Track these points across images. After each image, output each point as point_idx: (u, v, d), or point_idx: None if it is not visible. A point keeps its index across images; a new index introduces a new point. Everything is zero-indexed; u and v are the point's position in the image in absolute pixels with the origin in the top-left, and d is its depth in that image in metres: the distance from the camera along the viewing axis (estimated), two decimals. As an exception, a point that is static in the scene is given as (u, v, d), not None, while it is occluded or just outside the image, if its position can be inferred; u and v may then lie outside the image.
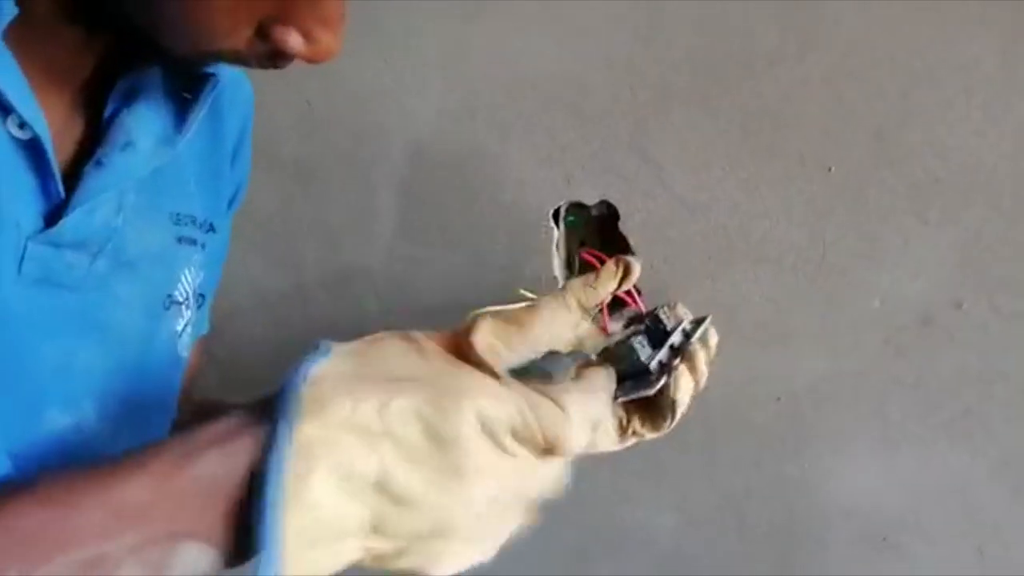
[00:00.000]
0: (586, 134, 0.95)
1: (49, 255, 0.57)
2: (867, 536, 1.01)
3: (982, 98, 0.85)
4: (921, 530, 0.99)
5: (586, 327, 0.77)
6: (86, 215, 0.58)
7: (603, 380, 0.60)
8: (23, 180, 0.56)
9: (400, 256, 1.04)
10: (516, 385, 0.53)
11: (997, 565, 0.98)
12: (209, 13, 0.51)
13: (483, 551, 0.51)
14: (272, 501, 0.45)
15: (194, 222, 0.70)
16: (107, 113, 0.61)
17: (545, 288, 0.96)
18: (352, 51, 0.57)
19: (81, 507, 0.46)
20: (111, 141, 0.60)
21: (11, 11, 0.51)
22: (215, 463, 0.47)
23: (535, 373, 0.60)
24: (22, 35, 0.52)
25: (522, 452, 0.51)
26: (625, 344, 0.68)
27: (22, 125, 0.54)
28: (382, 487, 0.48)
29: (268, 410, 0.47)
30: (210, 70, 0.64)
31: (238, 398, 0.55)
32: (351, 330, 0.55)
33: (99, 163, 0.59)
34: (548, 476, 0.53)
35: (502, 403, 0.50)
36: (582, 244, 0.99)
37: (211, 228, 0.73)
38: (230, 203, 0.80)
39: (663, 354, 0.70)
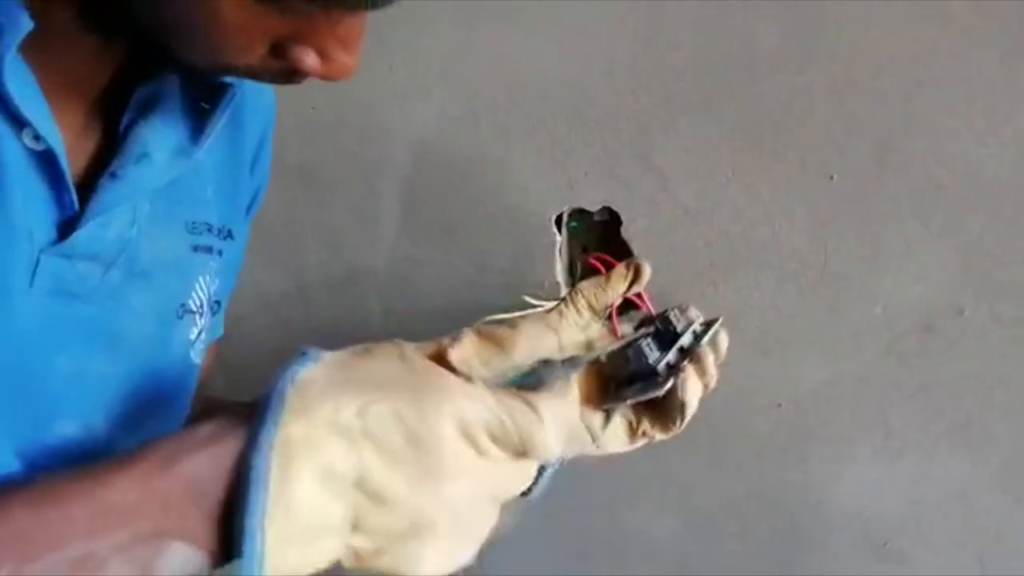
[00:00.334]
0: (589, 139, 0.95)
1: (62, 267, 0.57)
2: (868, 542, 1.02)
3: (984, 106, 0.85)
4: (922, 536, 1.00)
5: (596, 329, 0.78)
6: (100, 227, 0.58)
7: (572, 390, 0.63)
8: (37, 192, 0.55)
9: (403, 259, 1.04)
10: (492, 390, 0.54)
11: (997, 572, 0.98)
12: (224, 30, 0.51)
13: (461, 552, 0.52)
14: (254, 499, 0.46)
15: (210, 230, 0.70)
16: (123, 124, 0.61)
17: (547, 292, 0.97)
18: (358, 64, 0.57)
19: (69, 506, 0.47)
20: (127, 153, 0.59)
21: (28, 25, 0.50)
22: (201, 464, 0.48)
23: (528, 383, 0.61)
24: (39, 46, 0.52)
25: (497, 454, 0.52)
26: (634, 346, 0.69)
27: (37, 137, 0.54)
28: (362, 486, 0.48)
29: (253, 412, 0.48)
30: (228, 81, 0.64)
31: (241, 399, 0.56)
32: (353, 332, 0.55)
33: (114, 175, 0.59)
34: (520, 477, 0.54)
35: (479, 406, 0.51)
36: (584, 250, 1.00)
37: (229, 235, 0.73)
38: (248, 208, 0.80)
39: (672, 356, 0.70)
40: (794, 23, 0.88)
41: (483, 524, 0.53)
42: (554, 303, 0.84)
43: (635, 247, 0.97)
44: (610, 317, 0.80)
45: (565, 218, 0.99)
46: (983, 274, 0.89)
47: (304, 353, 0.51)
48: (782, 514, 1.04)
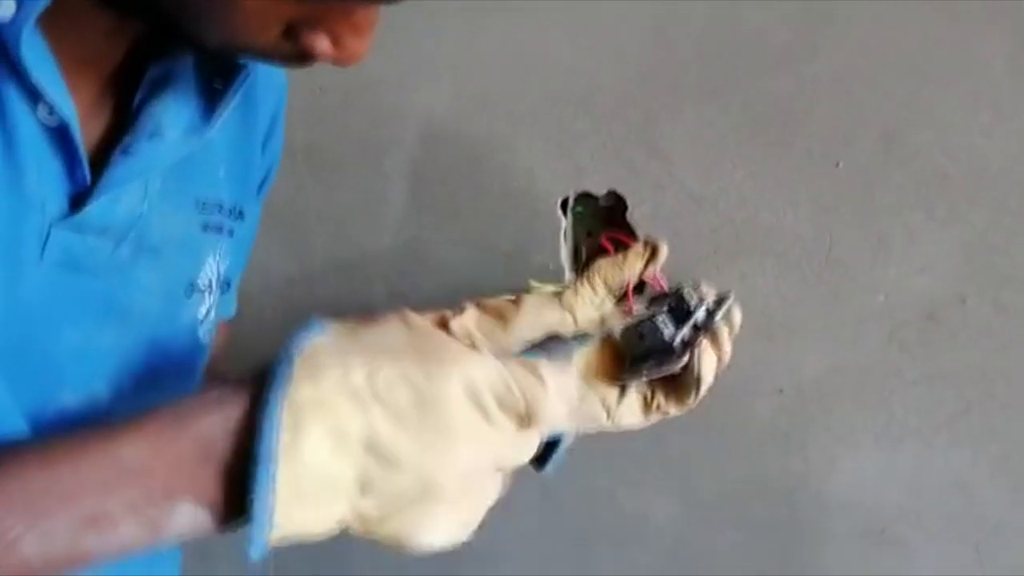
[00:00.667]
0: (596, 125, 0.96)
1: (72, 240, 0.58)
2: (866, 529, 1.03)
3: (990, 99, 0.86)
4: (920, 525, 1.01)
5: (609, 307, 0.79)
6: (111, 202, 0.59)
7: (571, 365, 0.64)
8: (50, 165, 0.56)
9: (409, 242, 1.05)
10: (497, 356, 0.54)
11: (994, 562, 0.99)
12: (240, 12, 0.51)
13: (465, 522, 0.53)
14: (264, 457, 0.46)
15: (221, 209, 0.71)
16: (136, 101, 0.61)
17: (552, 276, 0.98)
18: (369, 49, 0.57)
19: (82, 465, 0.48)
20: (139, 129, 0.60)
21: None
22: (211, 424, 0.49)
23: (533, 358, 0.62)
24: (54, 21, 0.53)
25: (503, 420, 0.52)
26: (649, 322, 0.70)
27: (51, 111, 0.54)
28: (371, 448, 0.49)
29: (263, 376, 0.49)
30: (241, 61, 0.64)
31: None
32: (358, 314, 0.56)
33: (126, 151, 0.59)
34: (524, 446, 0.54)
35: (484, 369, 0.52)
36: (589, 234, 1.01)
37: (240, 215, 0.73)
38: (260, 188, 0.81)
39: (687, 331, 0.71)
40: (803, 13, 0.88)
41: (487, 494, 0.53)
42: (558, 287, 0.85)
43: (640, 232, 0.97)
44: (626, 295, 0.81)
45: (571, 202, 1.00)
46: (986, 264, 0.90)
47: (309, 324, 0.52)
48: (781, 500, 1.04)
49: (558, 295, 0.81)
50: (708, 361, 0.71)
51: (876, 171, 0.90)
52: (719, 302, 0.77)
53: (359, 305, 1.06)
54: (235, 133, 0.73)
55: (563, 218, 1.00)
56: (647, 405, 0.74)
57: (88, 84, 0.60)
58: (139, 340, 0.65)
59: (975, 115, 0.86)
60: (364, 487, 0.49)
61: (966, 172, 0.88)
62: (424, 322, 0.55)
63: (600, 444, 0.86)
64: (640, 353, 0.69)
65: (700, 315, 0.74)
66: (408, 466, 0.49)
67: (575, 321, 0.77)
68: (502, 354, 0.59)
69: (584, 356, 0.74)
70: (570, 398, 0.58)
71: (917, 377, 0.95)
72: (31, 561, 0.47)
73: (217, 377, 0.65)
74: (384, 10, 0.57)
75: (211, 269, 0.71)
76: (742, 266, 0.96)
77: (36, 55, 0.52)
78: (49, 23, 0.52)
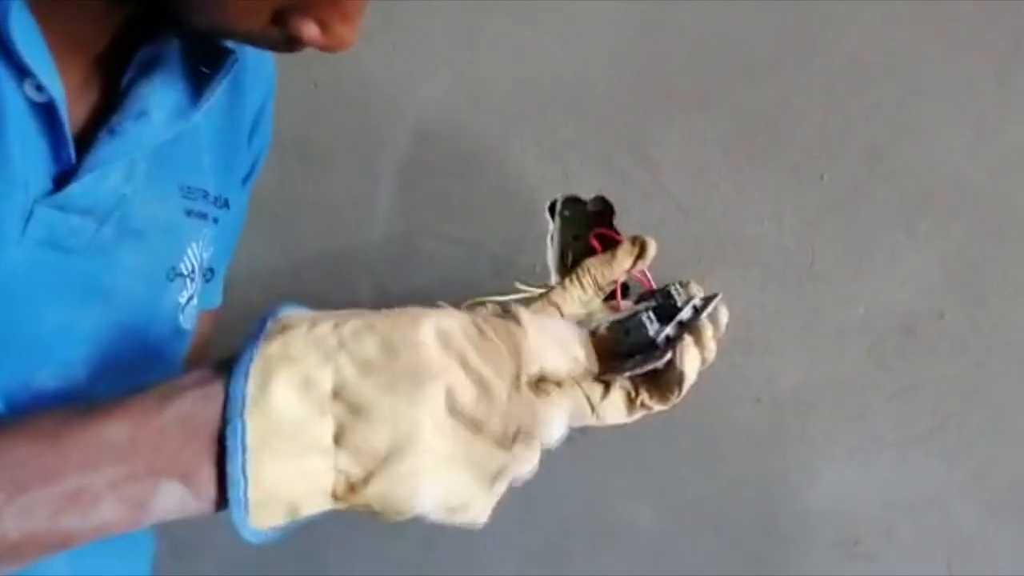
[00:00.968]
0: (586, 131, 0.97)
1: (55, 219, 0.58)
2: (840, 540, 1.03)
3: (975, 117, 0.87)
4: (892, 538, 1.01)
5: (597, 304, 0.80)
6: (95, 181, 0.59)
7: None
8: (35, 143, 0.57)
9: (396, 239, 1.06)
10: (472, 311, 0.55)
11: (964, 576, 1.00)
12: None
13: (459, 486, 0.51)
14: (233, 410, 0.47)
15: (206, 197, 0.71)
16: (124, 82, 0.62)
17: (538, 278, 0.98)
18: (361, 35, 0.58)
19: (64, 442, 0.48)
20: (126, 110, 0.61)
21: None
22: (192, 401, 0.49)
23: None
24: (43, 3, 0.53)
25: (487, 371, 0.51)
26: (634, 318, 0.70)
27: (39, 88, 0.55)
28: (340, 395, 0.49)
29: (240, 351, 0.50)
30: (229, 46, 0.65)
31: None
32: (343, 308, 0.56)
33: (112, 131, 0.60)
34: (526, 419, 0.53)
35: (457, 317, 0.52)
36: (575, 238, 1.02)
37: (225, 204, 0.74)
38: (246, 179, 0.81)
39: (671, 329, 0.72)
40: (793, 26, 0.90)
41: (478, 456, 0.51)
42: (543, 289, 0.86)
43: (626, 237, 0.98)
44: (614, 293, 0.82)
45: (559, 206, 1.01)
46: (964, 281, 0.91)
47: (284, 305, 0.53)
48: (757, 509, 1.05)
49: (543, 296, 0.82)
50: (691, 359, 0.72)
51: (860, 186, 0.91)
52: (706, 301, 0.78)
53: (345, 299, 1.06)
54: (222, 122, 0.74)
55: (551, 221, 1.01)
56: (631, 401, 0.75)
57: (76, 65, 0.60)
58: (119, 322, 0.66)
59: (959, 133, 0.88)
60: (339, 439, 0.49)
61: (948, 189, 0.89)
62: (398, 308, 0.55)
63: (578, 450, 0.87)
64: (625, 349, 0.70)
65: (686, 313, 0.74)
66: (378, 412, 0.49)
67: (562, 317, 0.78)
68: None
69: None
70: (558, 338, 0.57)
71: (894, 390, 0.96)
72: (10, 535, 0.47)
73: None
74: (379, 7, 0.57)
75: (194, 255, 0.71)
76: (725, 275, 0.97)
77: (24, 32, 0.53)
78: (38, 3, 0.53)
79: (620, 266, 0.82)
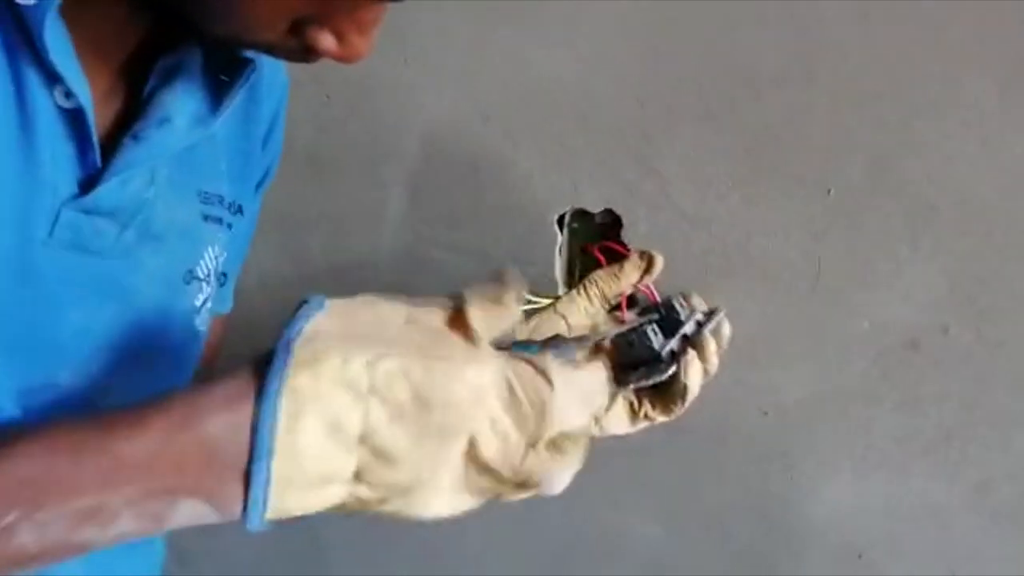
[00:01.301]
0: (594, 144, 0.98)
1: (81, 221, 0.60)
2: (843, 553, 1.04)
3: (980, 133, 0.88)
4: (896, 551, 1.02)
5: (602, 316, 0.80)
6: (120, 185, 0.61)
7: (600, 362, 0.63)
8: (63, 148, 0.58)
9: (405, 250, 1.06)
10: (502, 354, 0.54)
11: (968, 591, 1.00)
12: (248, 6, 0.54)
13: (468, 501, 0.53)
14: (260, 445, 0.47)
15: (221, 202, 0.73)
16: (147, 90, 0.64)
17: (546, 289, 0.99)
18: (373, 48, 0.59)
19: (84, 457, 0.48)
20: (149, 117, 0.62)
21: None
22: (217, 425, 0.49)
23: (535, 352, 0.63)
24: (71, 11, 0.55)
25: (508, 423, 0.52)
26: (639, 331, 0.71)
27: (68, 94, 0.56)
28: (367, 441, 0.49)
29: (265, 366, 0.49)
30: (248, 55, 0.66)
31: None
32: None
33: (136, 137, 0.62)
34: (536, 474, 0.53)
35: (487, 369, 0.52)
36: (583, 250, 1.02)
37: (239, 210, 0.75)
38: (259, 185, 0.82)
39: (675, 342, 0.72)
40: (799, 42, 0.90)
41: (485, 490, 0.53)
42: (550, 300, 0.87)
43: (634, 249, 0.98)
44: (619, 305, 0.83)
45: (567, 218, 1.01)
46: (969, 295, 0.92)
47: (307, 301, 0.52)
48: (761, 522, 1.06)
49: (551, 307, 0.83)
50: (694, 372, 0.73)
51: (865, 200, 0.92)
52: (709, 315, 0.79)
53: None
54: (237, 130, 0.75)
55: (559, 233, 1.01)
56: (634, 413, 0.75)
57: (101, 73, 0.62)
58: (138, 323, 0.67)
59: (964, 147, 0.88)
60: (360, 478, 0.50)
61: (953, 203, 0.90)
62: (423, 318, 0.55)
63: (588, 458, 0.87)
64: (629, 362, 0.71)
65: (690, 327, 0.75)
66: (404, 461, 0.50)
67: (568, 328, 0.79)
68: (503, 350, 0.59)
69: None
70: (584, 393, 0.57)
71: (898, 403, 0.97)
72: (27, 548, 0.48)
73: (216, 371, 0.65)
74: (391, 21, 0.58)
75: (210, 259, 0.73)
76: (731, 288, 0.97)
77: (57, 40, 0.55)
78: (67, 12, 0.54)
79: (627, 280, 0.83)
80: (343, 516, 0.54)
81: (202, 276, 0.72)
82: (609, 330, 0.74)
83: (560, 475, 0.55)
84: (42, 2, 0.52)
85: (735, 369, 0.98)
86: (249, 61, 0.66)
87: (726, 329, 0.81)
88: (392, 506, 0.51)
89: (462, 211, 1.03)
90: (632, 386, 0.70)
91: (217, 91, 0.66)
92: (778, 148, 0.93)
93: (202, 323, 0.74)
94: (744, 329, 0.97)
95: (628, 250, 0.96)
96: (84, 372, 0.64)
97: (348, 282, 1.09)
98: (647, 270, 0.84)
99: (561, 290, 1.01)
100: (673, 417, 0.76)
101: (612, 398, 0.74)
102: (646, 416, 0.76)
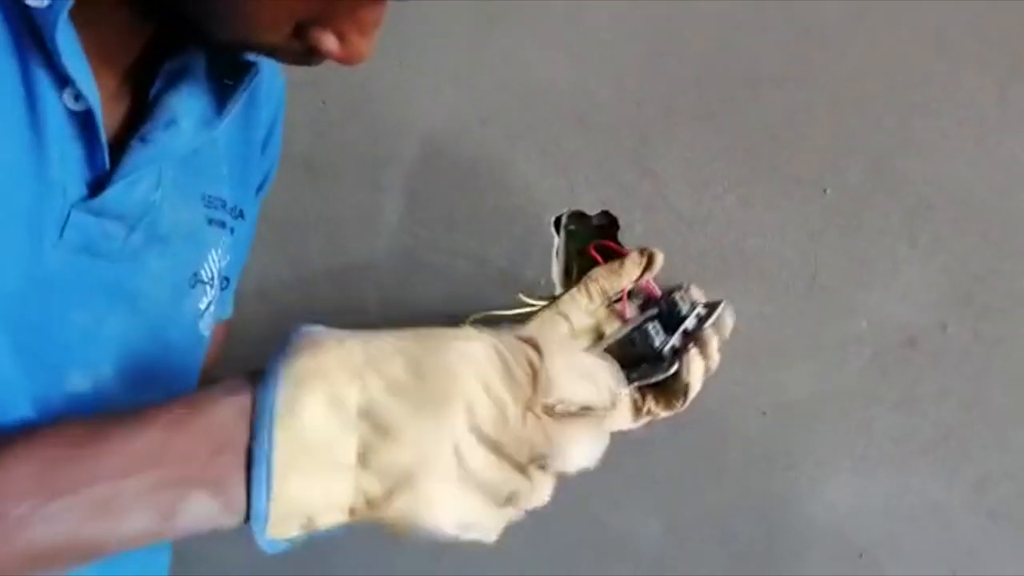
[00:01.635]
0: (592, 146, 0.98)
1: (90, 224, 0.61)
2: (843, 552, 1.04)
3: (976, 131, 0.88)
4: (896, 549, 1.02)
5: (603, 313, 0.81)
6: (128, 187, 0.62)
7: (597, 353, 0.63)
8: (72, 150, 0.59)
9: (403, 254, 1.07)
10: (497, 333, 0.56)
11: (970, 589, 1.00)
12: (255, 7, 0.54)
13: (474, 506, 0.52)
14: (262, 423, 0.49)
15: (224, 206, 0.74)
16: (152, 93, 0.65)
17: (543, 292, 0.99)
18: (374, 51, 0.59)
19: (96, 448, 0.50)
20: (156, 119, 0.63)
21: None
22: (223, 413, 0.51)
23: None
24: (80, 15, 0.56)
25: (507, 394, 0.53)
26: (640, 330, 0.71)
27: (78, 97, 0.57)
28: (367, 415, 0.50)
29: (267, 366, 0.51)
30: (251, 59, 0.67)
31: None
32: (350, 324, 0.57)
33: (143, 139, 0.62)
34: (540, 442, 0.53)
35: (477, 341, 0.54)
36: (580, 252, 1.02)
37: (240, 214, 0.76)
38: (258, 190, 0.83)
39: (676, 339, 0.73)
40: (795, 43, 0.91)
41: (496, 480, 0.53)
42: (545, 303, 0.87)
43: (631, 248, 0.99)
44: (619, 301, 0.83)
45: (564, 220, 1.02)
46: (966, 293, 0.92)
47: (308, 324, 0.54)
48: (762, 521, 1.06)
49: (551, 306, 0.83)
50: (696, 368, 0.73)
51: (862, 199, 0.92)
52: (709, 308, 0.79)
53: (350, 314, 1.07)
54: (237, 134, 0.76)
55: (556, 235, 1.01)
56: (637, 409, 0.76)
57: (108, 76, 0.63)
58: (143, 326, 0.68)
59: (960, 146, 0.89)
60: (363, 459, 0.51)
61: (950, 202, 0.90)
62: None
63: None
64: (631, 359, 0.71)
65: (691, 322, 0.76)
66: (404, 435, 0.50)
67: (571, 328, 0.79)
68: None
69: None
70: (584, 367, 0.57)
71: (897, 402, 0.97)
72: (37, 542, 0.48)
73: (217, 375, 0.66)
74: (388, 24, 0.59)
75: (213, 262, 0.74)
76: (728, 288, 0.97)
77: (68, 42, 0.55)
78: (74, 16, 0.55)
79: (628, 276, 0.84)
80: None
81: (206, 279, 0.73)
82: (610, 329, 0.75)
83: (565, 443, 0.54)
84: (55, 4, 0.53)
85: (734, 369, 0.98)
86: (252, 64, 0.67)
87: (729, 320, 0.81)
88: (400, 503, 0.51)
89: (460, 214, 1.03)
90: (635, 384, 0.71)
91: (221, 94, 0.67)
92: (775, 148, 0.93)
93: (206, 327, 0.75)
94: (742, 329, 0.97)
95: (623, 250, 0.96)
96: (92, 375, 0.65)
97: (346, 286, 1.09)
98: (647, 267, 0.85)
99: (558, 291, 1.01)
100: (675, 412, 0.76)
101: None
102: (649, 412, 0.77)
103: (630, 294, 0.86)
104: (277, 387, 0.49)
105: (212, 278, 0.74)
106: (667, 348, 0.71)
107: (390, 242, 1.07)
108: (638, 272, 0.84)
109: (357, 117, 1.05)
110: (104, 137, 0.59)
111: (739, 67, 0.93)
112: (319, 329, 0.53)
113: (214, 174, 0.73)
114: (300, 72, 0.64)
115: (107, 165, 0.60)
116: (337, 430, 0.50)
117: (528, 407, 0.53)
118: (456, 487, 0.52)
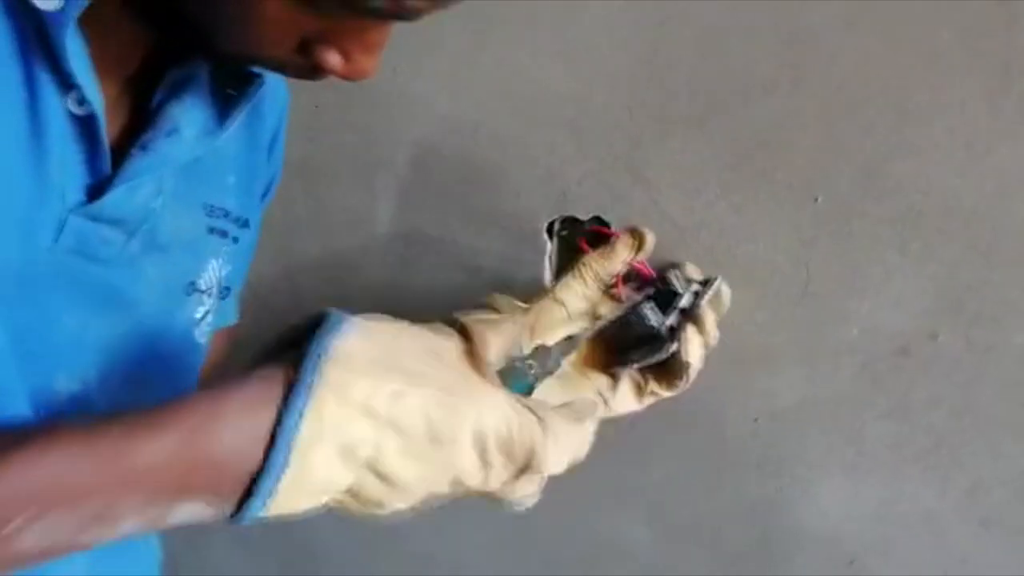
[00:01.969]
0: (584, 152, 0.98)
1: (87, 228, 0.61)
2: (835, 560, 1.05)
3: (966, 139, 0.89)
4: (888, 557, 1.03)
5: (599, 295, 0.81)
6: (127, 193, 0.62)
7: (589, 409, 0.65)
8: (73, 154, 0.60)
9: (395, 258, 1.07)
10: (514, 399, 0.57)
11: (960, 595, 1.01)
12: (260, 21, 0.55)
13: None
14: (275, 463, 0.49)
15: (227, 216, 0.74)
16: (155, 101, 0.65)
17: (535, 297, 0.99)
18: (378, 69, 0.60)
19: (97, 460, 0.50)
20: (157, 128, 0.64)
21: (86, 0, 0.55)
22: (237, 432, 0.51)
23: (521, 369, 0.63)
24: (86, 23, 0.57)
25: (499, 467, 0.55)
26: (636, 310, 0.71)
27: (81, 101, 0.58)
28: (373, 465, 0.52)
29: (288, 380, 0.51)
30: (255, 70, 0.67)
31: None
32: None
33: (144, 147, 0.63)
34: (516, 489, 0.57)
35: (495, 415, 0.55)
36: (572, 258, 1.02)
37: (245, 224, 0.76)
38: (262, 198, 0.83)
39: (673, 318, 0.73)
40: (788, 50, 0.91)
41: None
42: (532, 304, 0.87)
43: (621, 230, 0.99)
44: (615, 284, 0.82)
45: (556, 226, 1.02)
46: (958, 301, 0.92)
47: (327, 313, 0.55)
48: (753, 528, 1.06)
49: (548, 294, 0.84)
50: (695, 346, 0.74)
51: (854, 207, 0.92)
52: (705, 284, 0.78)
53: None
54: (243, 144, 0.76)
55: (548, 241, 1.01)
56: (640, 390, 0.76)
57: (111, 84, 0.64)
58: (134, 332, 0.68)
59: (952, 154, 0.89)
60: (352, 490, 0.53)
61: (941, 210, 0.90)
62: (450, 353, 0.58)
63: (573, 468, 0.87)
64: (629, 341, 0.71)
65: (686, 300, 0.75)
66: (403, 490, 0.53)
67: (568, 313, 0.80)
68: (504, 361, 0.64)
69: (571, 362, 0.76)
70: (576, 449, 0.60)
71: (888, 410, 0.97)
72: (29, 552, 0.49)
73: (232, 372, 0.66)
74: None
75: (213, 272, 0.74)
76: (721, 295, 0.97)
77: (75, 47, 0.55)
78: (82, 22, 0.55)
79: (619, 258, 0.84)
80: (335, 520, 0.56)
81: (204, 288, 0.73)
82: (606, 313, 0.74)
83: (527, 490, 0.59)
84: (67, 8, 0.54)
85: (725, 376, 0.98)
86: (256, 76, 0.68)
87: (726, 296, 0.81)
88: (364, 511, 0.54)
89: (451, 220, 1.04)
90: (634, 366, 0.71)
91: (224, 104, 0.68)
92: (766, 156, 0.94)
93: (202, 335, 0.75)
94: (732, 336, 0.98)
95: (613, 232, 0.97)
96: (80, 378, 0.66)
97: (339, 290, 1.10)
98: (639, 247, 0.85)
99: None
100: (678, 391, 0.76)
101: (616, 378, 0.74)
102: (652, 393, 0.77)
103: (626, 277, 0.86)
104: (299, 428, 0.49)
105: (211, 287, 0.74)
106: (664, 328, 0.70)
107: (383, 246, 1.07)
108: (629, 253, 0.85)
109: (350, 121, 1.05)
110: (107, 142, 0.60)
111: (731, 74, 0.93)
112: (350, 351, 0.52)
113: (218, 184, 0.73)
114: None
115: (108, 170, 0.61)
116: (342, 474, 0.52)
117: (512, 479, 0.57)
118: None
